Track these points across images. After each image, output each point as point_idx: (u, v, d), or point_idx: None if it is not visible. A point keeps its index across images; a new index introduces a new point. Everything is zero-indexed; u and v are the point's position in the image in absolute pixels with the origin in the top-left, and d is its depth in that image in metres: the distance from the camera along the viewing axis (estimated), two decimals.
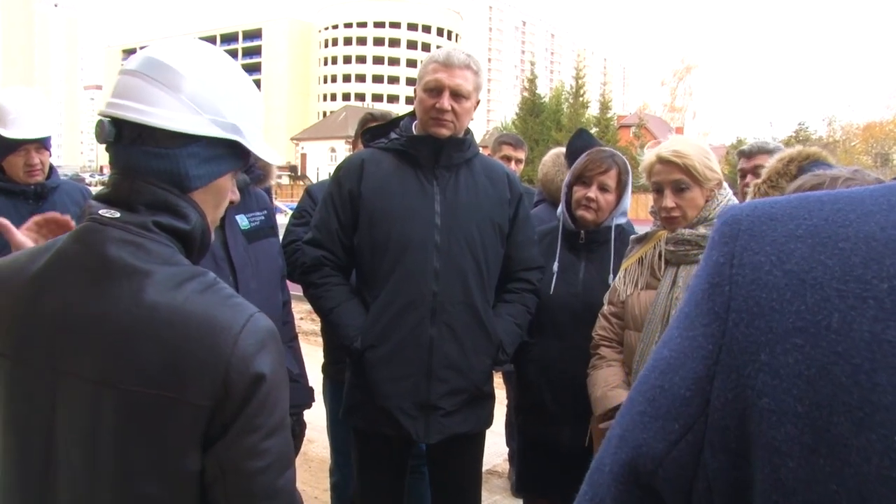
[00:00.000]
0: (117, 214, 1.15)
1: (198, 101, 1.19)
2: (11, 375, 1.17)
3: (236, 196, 1.40)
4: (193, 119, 1.18)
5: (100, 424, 1.10)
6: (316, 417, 3.46)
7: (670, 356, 0.68)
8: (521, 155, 4.35)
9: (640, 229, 2.71)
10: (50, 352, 1.13)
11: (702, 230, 2.28)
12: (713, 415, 0.63)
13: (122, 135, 1.17)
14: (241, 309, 1.15)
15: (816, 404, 0.55)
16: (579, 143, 3.57)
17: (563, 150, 3.75)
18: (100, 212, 1.16)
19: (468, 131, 2.60)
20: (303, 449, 3.76)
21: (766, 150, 3.34)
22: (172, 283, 1.12)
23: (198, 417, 1.09)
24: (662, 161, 2.29)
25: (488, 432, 2.74)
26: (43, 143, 2.86)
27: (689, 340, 0.66)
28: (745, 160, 3.74)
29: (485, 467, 2.99)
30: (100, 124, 1.18)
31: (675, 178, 2.28)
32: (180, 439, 1.10)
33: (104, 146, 1.22)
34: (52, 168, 2.97)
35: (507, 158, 4.22)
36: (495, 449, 4.33)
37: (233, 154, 1.27)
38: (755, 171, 2.96)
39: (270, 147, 1.39)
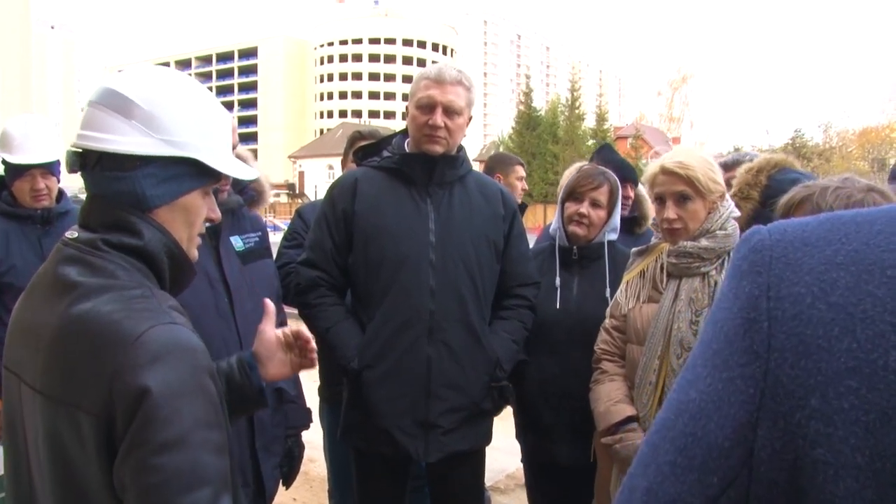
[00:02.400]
0: (75, 235, 1.24)
1: (148, 123, 1.24)
2: (4, 383, 1.29)
3: (216, 214, 1.40)
4: (144, 141, 1.24)
5: (38, 430, 1.17)
6: (317, 436, 3.44)
7: (700, 399, 0.61)
8: None
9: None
10: (18, 361, 1.24)
11: (704, 242, 2.26)
12: (758, 467, 0.57)
13: (86, 163, 1.25)
14: (146, 319, 1.14)
15: (879, 455, 0.50)
16: (601, 157, 3.61)
17: (581, 165, 3.77)
18: (67, 233, 1.26)
19: (461, 148, 2.60)
20: (304, 469, 3.72)
21: (741, 162, 3.38)
22: (93, 295, 1.16)
23: (97, 428, 1.09)
24: (665, 172, 2.28)
25: (490, 448, 2.73)
26: (49, 169, 2.95)
27: (723, 382, 0.60)
28: (723, 172, 3.77)
29: (486, 483, 2.97)
30: (67, 155, 1.27)
31: (677, 189, 2.27)
32: (89, 449, 1.11)
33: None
34: (62, 193, 3.07)
35: (522, 178, 4.37)
36: (496, 465, 4.30)
37: (196, 172, 1.31)
38: (729, 183, 2.99)
39: (241, 163, 1.42)
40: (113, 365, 1.09)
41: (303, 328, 1.59)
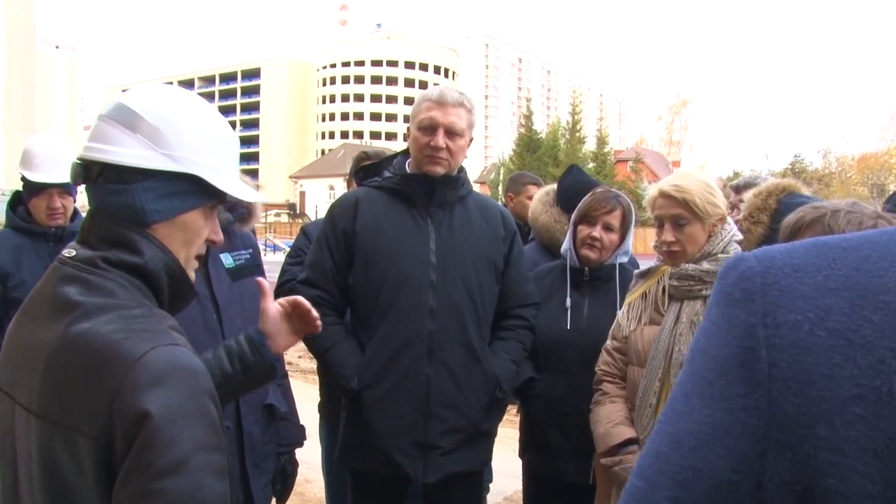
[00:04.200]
0: (73, 253, 1.22)
1: (153, 137, 1.23)
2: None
3: (218, 237, 1.38)
4: (146, 154, 1.22)
5: (30, 453, 1.14)
6: (314, 457, 3.42)
7: (699, 431, 0.59)
8: None
9: (643, 264, 2.72)
10: (12, 382, 1.20)
11: (706, 265, 2.27)
12: (767, 500, 0.56)
13: (89, 174, 1.24)
14: (147, 340, 1.12)
15: (890, 482, 0.50)
16: (569, 179, 3.57)
17: (552, 187, 3.71)
18: (64, 251, 1.24)
19: (462, 169, 2.61)
20: (301, 489, 3.70)
21: (753, 185, 3.40)
22: (93, 315, 1.14)
23: (95, 451, 1.07)
24: (663, 195, 2.30)
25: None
26: (67, 189, 2.99)
27: (723, 413, 0.58)
28: (734, 194, 3.79)
29: None
30: (72, 167, 1.26)
31: (674, 212, 2.28)
32: (87, 473, 1.09)
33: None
34: (76, 212, 3.10)
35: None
36: (495, 488, 4.27)
37: (198, 191, 1.29)
38: (738, 206, 3.00)
39: (246, 185, 1.40)
40: (113, 386, 1.06)
41: (298, 297, 1.65)
